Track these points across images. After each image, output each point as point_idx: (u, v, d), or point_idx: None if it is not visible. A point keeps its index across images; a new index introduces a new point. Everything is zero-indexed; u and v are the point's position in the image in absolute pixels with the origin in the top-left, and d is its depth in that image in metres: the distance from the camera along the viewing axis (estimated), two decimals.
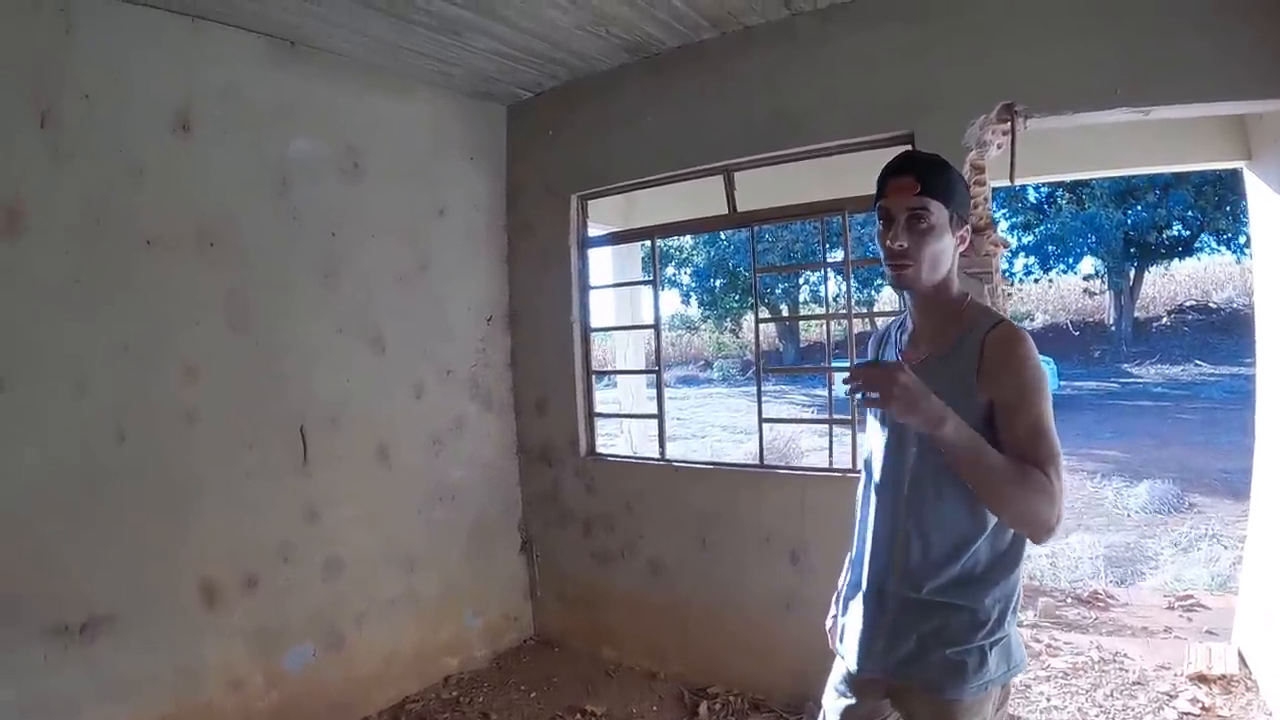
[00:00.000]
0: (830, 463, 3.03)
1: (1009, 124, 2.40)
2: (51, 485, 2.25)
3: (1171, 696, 2.99)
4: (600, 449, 3.62)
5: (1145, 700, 2.99)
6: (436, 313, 3.40)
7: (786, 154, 2.93)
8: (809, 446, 7.60)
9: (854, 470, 2.83)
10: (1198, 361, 14.70)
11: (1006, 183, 2.51)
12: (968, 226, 1.39)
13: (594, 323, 3.63)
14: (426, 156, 3.36)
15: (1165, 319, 17.93)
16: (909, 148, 2.43)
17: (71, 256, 2.29)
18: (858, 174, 2.58)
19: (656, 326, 3.46)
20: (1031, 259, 15.33)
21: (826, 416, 3.00)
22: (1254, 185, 3.20)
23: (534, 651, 3.70)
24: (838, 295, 16.20)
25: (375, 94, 3.12)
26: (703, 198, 3.32)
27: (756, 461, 3.28)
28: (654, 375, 3.50)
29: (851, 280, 3.04)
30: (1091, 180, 13.64)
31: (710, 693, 3.12)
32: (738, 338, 19.26)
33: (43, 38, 2.23)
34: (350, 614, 3.02)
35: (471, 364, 3.56)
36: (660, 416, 3.41)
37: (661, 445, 3.43)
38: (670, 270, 18.60)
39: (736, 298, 15.99)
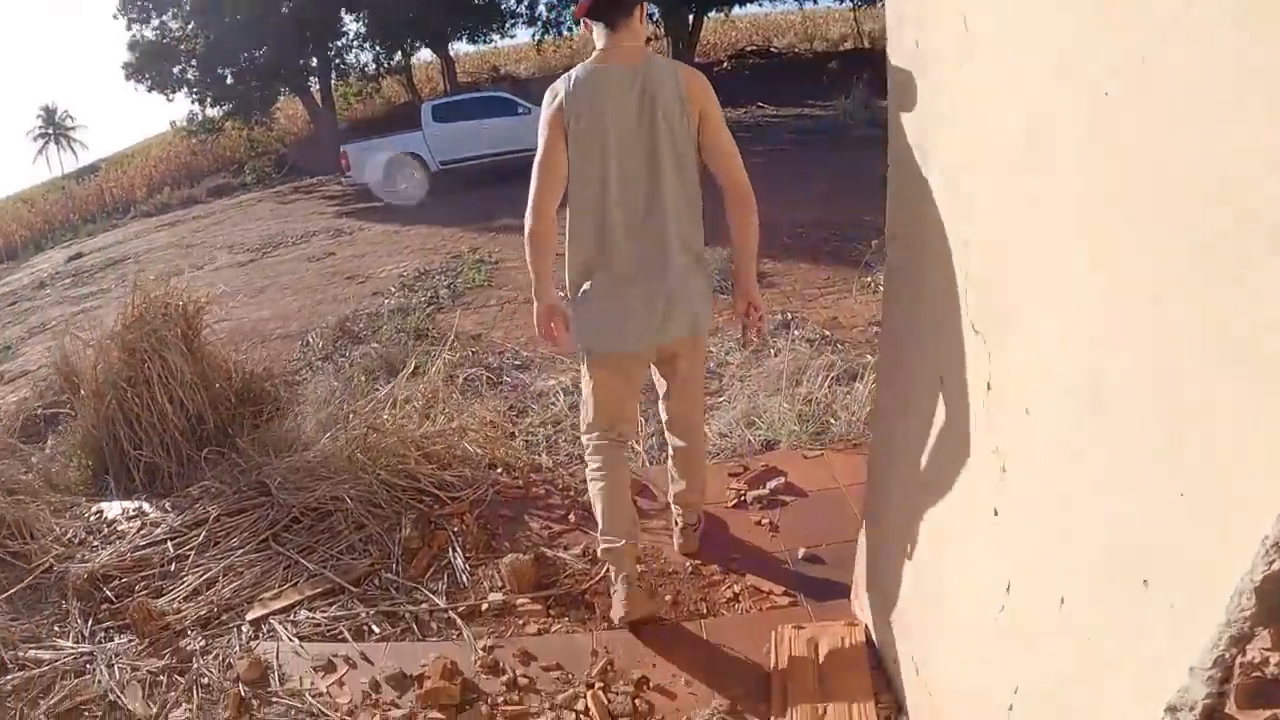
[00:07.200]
0: None
1: None
2: None
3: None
4: None
5: None
6: None
7: None
8: None
9: None
10: (760, 104, 14.79)
11: None
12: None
13: None
14: None
15: (726, 64, 18.82)
16: None
17: None
18: None
19: None
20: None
21: None
22: None
23: None
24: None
25: None
26: None
27: None
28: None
29: None
30: None
31: None
32: (271, 131, 17.74)
33: None
34: None
35: None
36: None
37: None
38: (177, 69, 16.53)
39: (255, 84, 15.17)
